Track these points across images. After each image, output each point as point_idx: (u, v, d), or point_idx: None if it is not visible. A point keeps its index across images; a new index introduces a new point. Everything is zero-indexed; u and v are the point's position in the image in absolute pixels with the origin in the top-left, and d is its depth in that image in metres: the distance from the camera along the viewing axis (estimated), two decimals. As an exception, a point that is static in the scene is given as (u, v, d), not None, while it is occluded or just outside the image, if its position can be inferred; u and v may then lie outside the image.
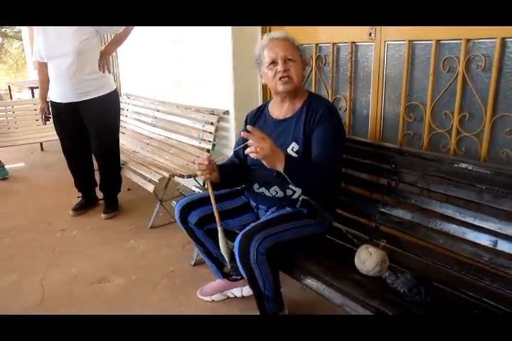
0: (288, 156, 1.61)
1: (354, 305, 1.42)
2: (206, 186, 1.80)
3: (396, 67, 2.20)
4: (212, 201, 1.74)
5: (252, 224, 1.67)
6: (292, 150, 1.76)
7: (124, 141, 4.02)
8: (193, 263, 2.45)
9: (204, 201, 1.93)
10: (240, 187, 2.07)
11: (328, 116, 1.73)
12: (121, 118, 4.27)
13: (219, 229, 1.71)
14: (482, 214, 1.56)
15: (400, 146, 1.93)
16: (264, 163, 1.57)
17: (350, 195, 2.01)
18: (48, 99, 3.15)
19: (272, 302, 1.75)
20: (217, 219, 1.73)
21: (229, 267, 1.75)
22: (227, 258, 1.71)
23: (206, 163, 1.73)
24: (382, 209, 1.85)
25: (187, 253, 2.56)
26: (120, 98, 4.40)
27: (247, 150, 1.54)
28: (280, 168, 1.57)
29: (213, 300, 2.14)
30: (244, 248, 1.58)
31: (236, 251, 1.62)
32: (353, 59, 2.38)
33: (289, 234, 1.68)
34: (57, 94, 3.00)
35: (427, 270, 1.62)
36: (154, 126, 3.84)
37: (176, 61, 3.58)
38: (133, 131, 4.16)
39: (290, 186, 1.79)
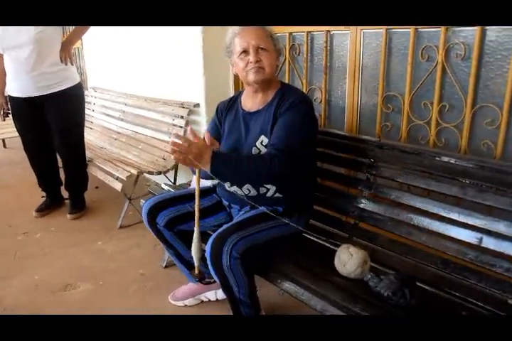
0: (216, 156, 1.46)
1: (335, 311, 1.33)
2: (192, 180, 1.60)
3: (373, 57, 2.12)
4: (197, 198, 1.54)
5: (225, 226, 1.56)
6: (261, 143, 1.65)
7: (92, 137, 3.85)
8: (164, 265, 2.32)
9: (174, 201, 1.81)
10: (211, 186, 1.95)
11: (298, 104, 1.62)
12: (89, 112, 4.13)
13: (196, 231, 1.56)
14: (466, 210, 1.49)
15: (378, 139, 1.85)
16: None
17: (327, 190, 1.92)
18: (5, 94, 2.96)
19: (247, 307, 1.65)
20: (196, 219, 1.55)
21: (197, 272, 1.63)
22: (196, 263, 1.59)
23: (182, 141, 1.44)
24: (361, 206, 1.76)
25: (158, 254, 2.44)
26: (86, 91, 4.28)
27: (173, 157, 1.42)
28: (207, 169, 1.45)
29: (186, 305, 2.02)
30: (217, 252, 1.47)
31: (208, 255, 1.51)
32: (328, 48, 2.28)
33: (265, 235, 1.58)
34: (16, 88, 2.82)
35: (410, 269, 1.54)
36: (122, 120, 3.69)
37: (144, 52, 3.42)
38: (101, 126, 3.99)
39: (264, 184, 1.68)
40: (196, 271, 1.62)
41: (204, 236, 1.78)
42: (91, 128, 4.03)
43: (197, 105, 2.89)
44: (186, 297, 2.02)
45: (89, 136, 3.84)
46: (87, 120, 4.07)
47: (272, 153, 1.53)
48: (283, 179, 1.60)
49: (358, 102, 2.22)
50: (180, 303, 2.03)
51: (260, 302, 1.73)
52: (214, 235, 1.52)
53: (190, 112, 2.91)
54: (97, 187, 3.52)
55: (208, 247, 1.51)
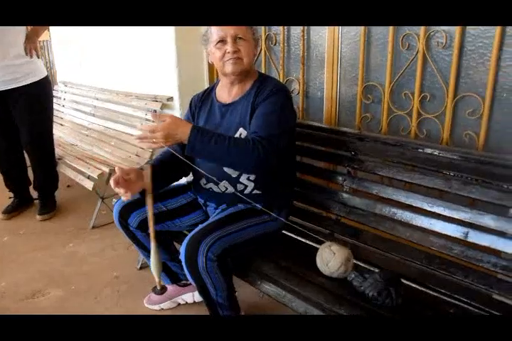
0: (195, 129, 1.42)
1: (319, 313, 1.26)
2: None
3: (352, 46, 2.04)
4: (150, 220, 1.48)
5: (200, 227, 1.47)
6: (240, 136, 1.57)
7: (62, 133, 3.70)
8: (138, 266, 2.22)
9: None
10: (186, 183, 1.86)
11: (276, 92, 1.54)
12: (58, 108, 3.98)
13: (152, 245, 1.47)
14: (451, 203, 1.43)
15: (359, 131, 1.78)
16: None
17: (307, 185, 1.84)
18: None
19: (226, 309, 1.56)
20: (151, 233, 1.48)
21: (159, 287, 1.54)
22: (157, 278, 1.49)
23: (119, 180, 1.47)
24: (343, 200, 1.69)
25: (132, 255, 2.33)
26: (55, 86, 4.12)
27: (147, 146, 1.45)
28: (185, 141, 1.42)
29: (162, 309, 1.93)
30: (192, 254, 1.38)
31: (182, 258, 1.42)
32: (306, 37, 2.20)
33: (243, 234, 1.50)
34: (-23, 82, 2.66)
35: (395, 266, 1.48)
36: (93, 115, 3.54)
37: (115, 44, 3.28)
38: (71, 122, 3.83)
39: (241, 180, 1.60)
40: (158, 286, 1.52)
41: (179, 237, 1.70)
42: (61, 125, 3.87)
43: (170, 99, 2.78)
44: (162, 300, 1.93)
45: (60, 133, 3.69)
46: (56, 116, 3.94)
47: (255, 139, 1.45)
48: (264, 169, 1.49)
49: (336, 93, 2.14)
50: (156, 307, 1.93)
51: (240, 304, 1.65)
52: (188, 236, 1.43)
53: (164, 106, 2.79)
54: (68, 186, 3.39)
55: (182, 249, 1.42)
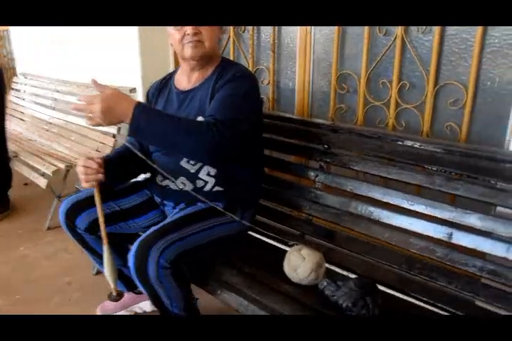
0: (139, 107, 1.21)
1: (285, 327, 1.10)
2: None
3: (325, 32, 1.89)
4: (100, 215, 1.34)
5: (152, 229, 1.29)
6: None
7: (21, 128, 3.46)
8: (94, 271, 2.03)
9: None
10: (142, 180, 1.68)
11: (240, 77, 1.37)
12: (19, 101, 3.74)
13: (105, 249, 1.32)
14: (433, 201, 1.29)
15: (332, 122, 1.62)
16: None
17: (276, 182, 1.68)
18: None
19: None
20: (103, 234, 1.34)
21: (115, 294, 1.37)
22: (112, 284, 1.33)
23: (95, 166, 1.34)
24: (314, 198, 1.54)
25: (88, 259, 2.11)
26: (15, 78, 3.88)
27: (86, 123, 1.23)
28: (127, 119, 1.21)
29: (118, 318, 1.75)
30: (141, 262, 1.21)
31: (131, 265, 1.24)
32: (276, 23, 2.04)
33: (202, 237, 1.33)
34: None
35: (372, 271, 1.34)
36: (54, 109, 3.31)
37: (76, 34, 3.07)
38: (32, 117, 3.59)
39: (200, 176, 1.43)
40: (114, 292, 1.36)
41: (135, 240, 1.52)
42: (22, 120, 3.62)
43: (133, 90, 2.58)
44: (117, 309, 1.75)
45: (19, 128, 3.46)
46: (17, 110, 3.71)
47: (210, 122, 1.25)
48: (218, 156, 1.29)
49: (309, 83, 1.99)
50: (110, 317, 1.75)
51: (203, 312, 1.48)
52: (138, 241, 1.25)
53: (126, 98, 2.60)
54: (26, 184, 3.15)
55: (130, 256, 1.24)
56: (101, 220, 1.35)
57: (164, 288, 1.25)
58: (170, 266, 1.21)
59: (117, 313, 1.74)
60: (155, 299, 1.30)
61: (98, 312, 1.76)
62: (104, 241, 1.35)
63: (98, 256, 1.60)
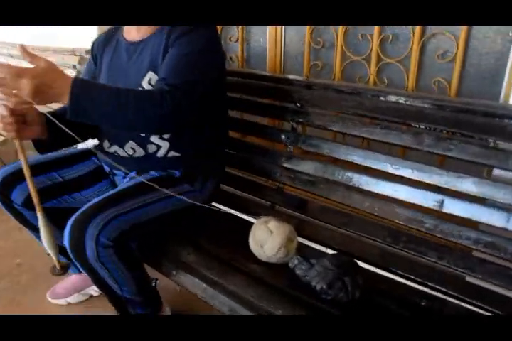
0: (77, 84, 0.99)
1: (247, 313, 0.93)
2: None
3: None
4: (26, 174, 1.12)
5: (91, 203, 1.09)
6: (149, 82, 1.19)
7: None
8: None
9: (36, 169, 1.29)
10: (91, 147, 1.46)
11: (193, 30, 1.15)
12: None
13: (39, 216, 1.12)
14: (421, 165, 1.11)
15: (306, 78, 1.42)
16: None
17: (242, 146, 1.48)
18: None
19: (139, 306, 1.21)
20: (35, 201, 1.13)
21: (58, 267, 1.19)
22: (54, 256, 1.14)
23: (5, 113, 1.09)
24: (286, 164, 1.35)
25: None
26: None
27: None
28: (63, 98, 0.99)
29: (70, 303, 1.56)
30: (77, 240, 1.01)
31: (66, 244, 1.04)
32: (242, -32, 1.80)
33: (153, 209, 1.13)
34: None
35: (351, 246, 1.16)
36: (6, 75, 3.03)
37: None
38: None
39: (152, 140, 1.22)
40: (58, 266, 1.17)
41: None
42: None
43: (89, 51, 2.32)
44: (69, 293, 1.56)
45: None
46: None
47: (163, 89, 1.06)
48: (179, 128, 1.14)
49: (281, 38, 1.77)
50: (61, 301, 1.56)
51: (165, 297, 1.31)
52: (73, 216, 1.05)
53: (82, 60, 2.35)
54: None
55: (65, 234, 1.04)
56: (27, 175, 1.12)
57: (108, 269, 1.06)
58: (113, 244, 1.02)
59: (69, 298, 1.56)
60: (99, 283, 1.11)
61: (48, 298, 1.57)
62: (38, 208, 1.13)
63: (39, 233, 1.40)
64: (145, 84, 1.19)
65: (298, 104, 1.34)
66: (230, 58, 1.96)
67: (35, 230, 1.38)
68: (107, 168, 1.37)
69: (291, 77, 1.44)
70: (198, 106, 1.10)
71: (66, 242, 1.04)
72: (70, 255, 1.05)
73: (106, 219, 1.02)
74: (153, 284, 1.29)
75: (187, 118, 1.09)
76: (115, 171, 1.33)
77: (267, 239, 1.05)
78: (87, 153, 1.42)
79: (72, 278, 1.57)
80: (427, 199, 1.09)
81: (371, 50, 1.53)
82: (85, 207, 1.07)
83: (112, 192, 1.15)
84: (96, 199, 1.10)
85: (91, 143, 1.47)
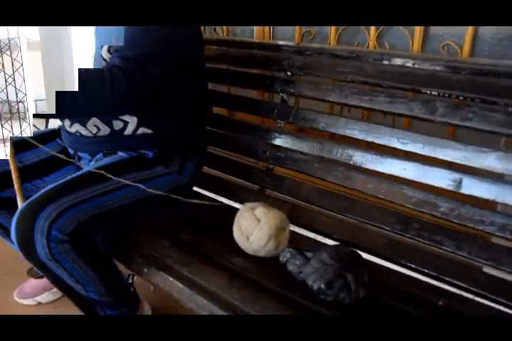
0: None
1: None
2: None
3: None
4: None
5: (43, 190, 0.92)
6: (108, 50, 1.02)
7: None
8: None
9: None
10: (56, 128, 1.29)
11: None
12: None
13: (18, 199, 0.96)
14: (435, 138, 0.94)
15: (297, 43, 1.25)
16: None
17: (226, 122, 1.31)
18: None
19: (111, 308, 1.05)
20: (16, 185, 0.98)
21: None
22: None
23: None
24: (276, 142, 1.17)
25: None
26: None
27: None
28: None
29: (40, 303, 1.40)
30: (25, 235, 0.85)
31: (13, 240, 0.88)
32: None
33: (120, 196, 0.97)
34: None
35: (352, 235, 1.00)
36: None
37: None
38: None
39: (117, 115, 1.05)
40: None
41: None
42: None
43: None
44: (39, 292, 1.40)
45: None
46: None
47: (114, 65, 0.92)
48: (142, 103, 0.98)
49: (270, 3, 1.59)
50: (30, 301, 1.40)
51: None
52: (21, 206, 0.88)
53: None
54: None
55: (12, 227, 0.87)
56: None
57: (65, 268, 0.89)
58: (68, 238, 0.85)
59: (38, 297, 1.40)
60: (57, 283, 0.95)
61: (15, 297, 1.41)
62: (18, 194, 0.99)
63: (2, 227, 1.24)
64: (104, 54, 1.02)
65: (288, 73, 1.15)
66: (214, 30, 1.78)
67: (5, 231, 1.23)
68: (71, 151, 1.19)
69: (279, 42, 1.27)
70: (158, 79, 0.95)
71: (13, 237, 0.87)
72: (19, 251, 0.89)
73: (60, 208, 0.86)
74: (130, 281, 1.13)
75: (148, 92, 0.97)
76: (80, 154, 1.16)
77: (254, 228, 0.88)
78: (51, 134, 1.25)
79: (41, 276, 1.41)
80: (441, 179, 0.92)
81: (371, 12, 1.35)
82: (36, 195, 0.90)
83: (69, 177, 0.98)
84: (50, 186, 0.93)
85: (58, 122, 1.30)
